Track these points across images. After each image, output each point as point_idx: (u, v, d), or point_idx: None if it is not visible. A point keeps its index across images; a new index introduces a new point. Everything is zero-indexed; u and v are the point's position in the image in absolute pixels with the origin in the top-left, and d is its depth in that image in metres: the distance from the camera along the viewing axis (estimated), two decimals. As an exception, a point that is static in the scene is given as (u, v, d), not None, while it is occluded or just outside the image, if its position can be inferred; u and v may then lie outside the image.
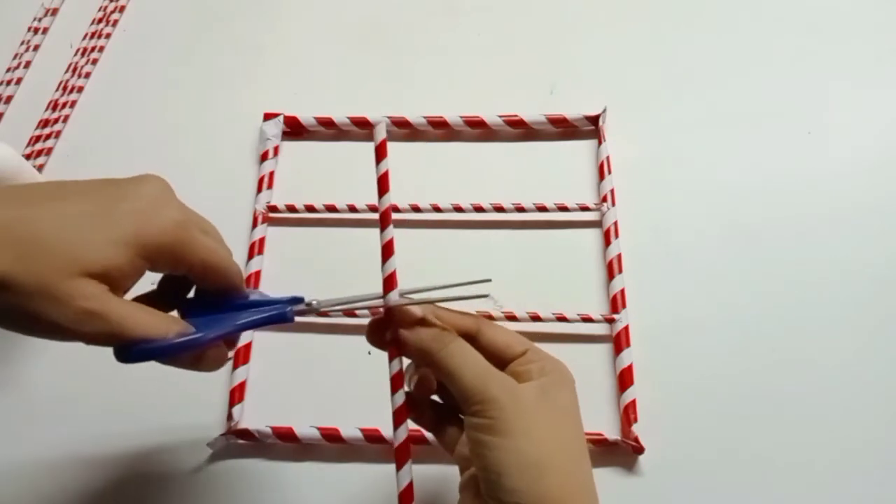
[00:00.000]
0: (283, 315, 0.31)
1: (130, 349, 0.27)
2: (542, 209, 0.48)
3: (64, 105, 0.56)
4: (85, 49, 0.60)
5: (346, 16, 0.60)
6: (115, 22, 0.61)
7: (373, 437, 0.42)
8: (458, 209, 0.49)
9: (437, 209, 0.49)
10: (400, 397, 0.31)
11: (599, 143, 0.51)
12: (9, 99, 0.57)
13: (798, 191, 0.49)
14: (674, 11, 0.58)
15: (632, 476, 0.41)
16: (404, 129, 0.53)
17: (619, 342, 0.44)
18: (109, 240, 0.27)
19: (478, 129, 0.53)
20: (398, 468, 0.31)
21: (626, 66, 0.56)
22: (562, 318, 0.45)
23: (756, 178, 0.50)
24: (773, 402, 0.43)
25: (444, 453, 0.37)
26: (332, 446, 0.42)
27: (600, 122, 0.52)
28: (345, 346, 0.46)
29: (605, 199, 0.49)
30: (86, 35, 0.61)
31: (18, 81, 0.58)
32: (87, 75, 0.58)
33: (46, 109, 0.57)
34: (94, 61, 0.59)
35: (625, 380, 0.43)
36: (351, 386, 0.44)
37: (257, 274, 0.48)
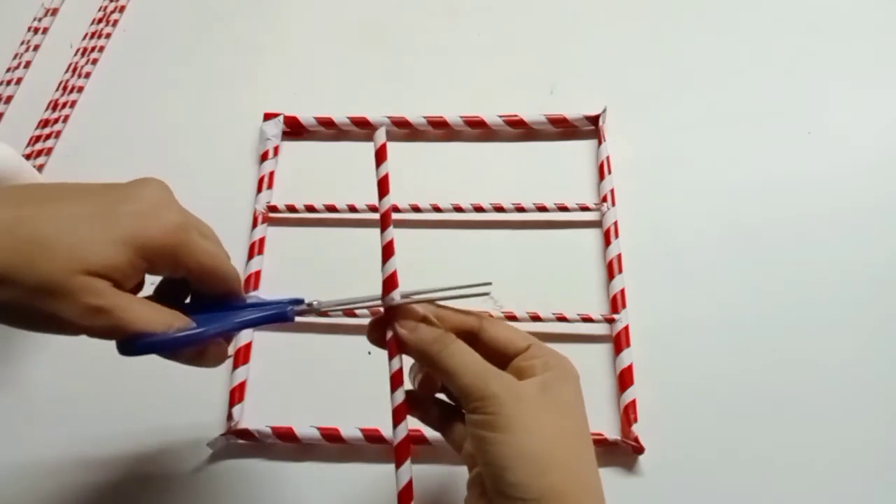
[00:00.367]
0: (283, 314, 0.32)
1: (133, 343, 0.28)
2: (542, 209, 0.48)
3: (64, 105, 0.56)
4: (85, 49, 0.60)
5: (346, 16, 0.60)
6: (115, 22, 0.61)
7: (373, 436, 0.42)
8: (458, 209, 0.49)
9: (437, 209, 0.49)
10: (399, 395, 0.31)
11: (599, 143, 0.51)
12: (9, 99, 0.57)
13: (798, 191, 0.49)
14: (674, 11, 0.58)
15: (632, 476, 0.41)
16: (404, 129, 0.53)
17: (619, 342, 0.44)
18: (110, 240, 0.27)
19: (478, 129, 0.53)
20: (397, 466, 0.31)
21: (626, 66, 0.56)
22: (562, 318, 0.45)
23: (756, 178, 0.50)
24: (773, 402, 0.43)
25: (446, 453, 0.37)
26: (332, 446, 0.42)
27: (600, 122, 0.52)
28: (345, 346, 0.46)
29: (605, 199, 0.49)
30: (86, 35, 0.61)
31: (18, 81, 0.58)
32: (87, 75, 0.58)
33: (46, 109, 0.57)
34: (94, 61, 0.59)
35: (625, 380, 0.43)
36: (351, 386, 0.44)
37: (257, 274, 0.48)
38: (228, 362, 0.44)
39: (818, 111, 0.53)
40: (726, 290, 0.46)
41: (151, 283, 0.32)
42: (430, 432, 0.41)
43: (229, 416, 0.43)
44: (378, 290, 0.31)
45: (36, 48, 0.60)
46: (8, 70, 0.59)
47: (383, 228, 0.31)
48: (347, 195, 0.50)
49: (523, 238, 0.49)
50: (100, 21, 0.61)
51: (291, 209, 0.50)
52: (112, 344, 0.28)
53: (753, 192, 0.50)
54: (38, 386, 0.45)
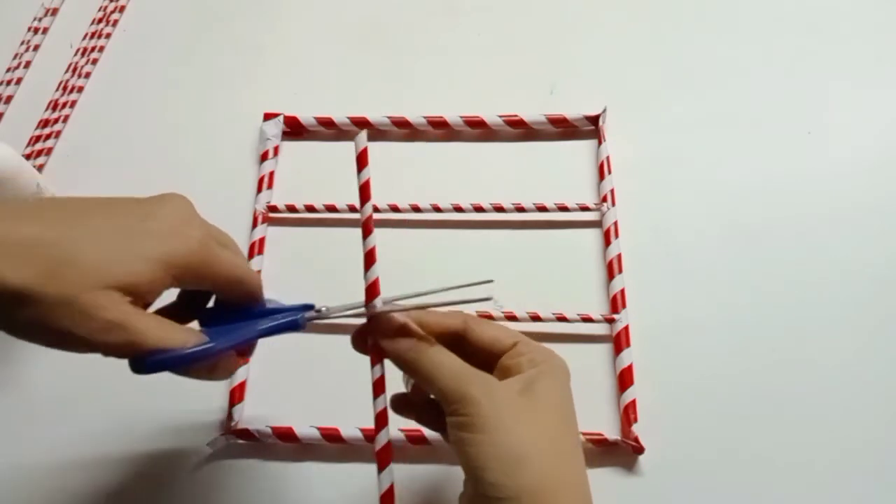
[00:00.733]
0: (294, 323, 0.32)
1: (146, 360, 0.28)
2: (542, 209, 0.48)
3: (64, 105, 0.56)
4: (85, 49, 0.60)
5: (346, 16, 0.60)
6: (115, 22, 0.61)
7: (372, 437, 0.41)
8: (458, 209, 0.49)
9: (437, 209, 0.49)
10: (381, 402, 0.31)
11: (599, 143, 0.51)
12: (9, 99, 0.57)
13: (798, 191, 0.49)
14: (674, 11, 0.58)
15: (632, 476, 0.41)
16: (404, 129, 0.53)
17: (619, 342, 0.44)
18: (140, 256, 0.28)
19: (478, 129, 0.53)
20: (380, 470, 0.31)
21: (626, 66, 0.56)
22: (562, 318, 0.45)
23: (756, 178, 0.50)
24: (773, 402, 0.43)
25: (446, 453, 0.37)
26: (332, 446, 0.42)
27: (600, 122, 0.52)
28: (345, 346, 0.45)
29: (605, 199, 0.49)
30: (86, 35, 0.61)
31: (18, 81, 0.58)
32: (87, 75, 0.58)
33: (46, 109, 0.57)
34: (94, 61, 0.59)
35: (625, 380, 0.43)
36: (351, 386, 0.44)
37: (257, 274, 0.48)
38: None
39: (818, 111, 0.53)
40: (726, 290, 0.46)
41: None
42: (429, 432, 0.41)
43: (229, 416, 0.43)
44: (387, 291, 0.31)
45: (36, 48, 0.60)
46: (8, 70, 0.59)
47: (365, 236, 0.31)
48: (347, 195, 0.50)
49: (523, 238, 0.49)
50: (100, 21, 0.61)
51: (291, 209, 0.50)
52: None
53: (753, 192, 0.50)
54: (38, 386, 0.45)
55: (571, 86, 0.55)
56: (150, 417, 0.44)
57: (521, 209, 0.48)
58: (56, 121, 0.56)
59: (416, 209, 0.49)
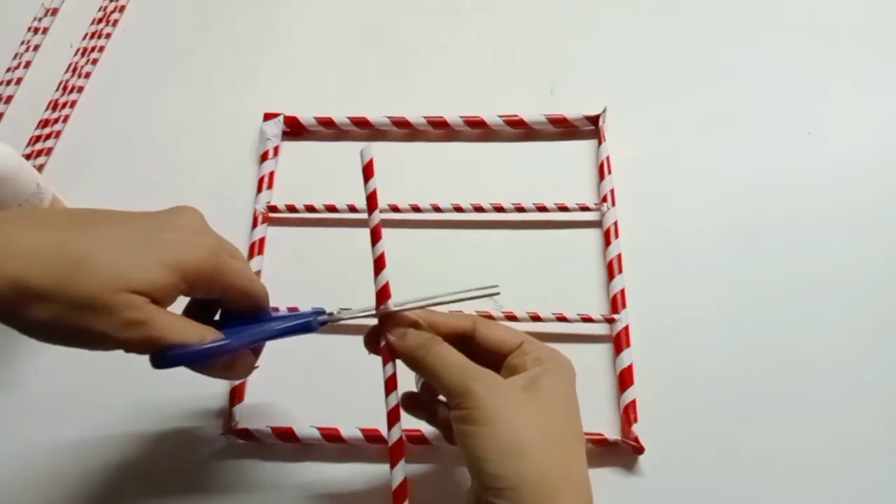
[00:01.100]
0: (308, 324, 0.33)
1: (165, 355, 0.29)
2: (542, 209, 0.48)
3: (64, 105, 0.56)
4: (85, 49, 0.60)
5: (346, 16, 0.60)
6: (115, 22, 0.61)
7: (373, 437, 0.42)
8: (458, 209, 0.49)
9: (437, 209, 0.49)
10: (393, 399, 0.33)
11: (599, 143, 0.51)
12: (9, 99, 0.57)
13: (798, 191, 0.49)
14: (674, 11, 0.58)
15: (632, 476, 0.41)
16: (404, 129, 0.53)
17: (619, 342, 0.44)
18: (156, 262, 0.29)
19: (478, 129, 0.53)
20: (392, 466, 0.33)
21: (626, 66, 0.56)
22: (562, 318, 0.45)
23: (756, 178, 0.50)
24: (773, 402, 0.43)
25: (446, 453, 0.37)
26: (332, 446, 0.42)
27: (600, 122, 0.52)
28: (345, 347, 0.45)
29: (605, 199, 0.49)
30: (86, 35, 0.61)
31: (18, 81, 0.58)
32: (87, 75, 0.58)
33: (46, 109, 0.57)
34: (94, 61, 0.59)
35: (625, 380, 0.43)
36: (351, 386, 0.44)
37: (257, 274, 0.48)
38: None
39: (818, 111, 0.53)
40: (726, 290, 0.46)
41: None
42: (429, 432, 0.41)
43: (229, 416, 0.43)
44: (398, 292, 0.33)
45: (36, 48, 0.60)
46: (8, 70, 0.59)
47: (374, 242, 0.33)
48: (347, 195, 0.50)
49: (523, 238, 0.49)
50: (100, 21, 0.61)
51: (291, 209, 0.50)
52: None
53: (753, 192, 0.50)
54: (38, 386, 0.45)
55: (571, 86, 0.55)
56: (151, 418, 0.44)
57: (521, 209, 0.48)
58: (56, 121, 0.56)
59: (416, 209, 0.49)
